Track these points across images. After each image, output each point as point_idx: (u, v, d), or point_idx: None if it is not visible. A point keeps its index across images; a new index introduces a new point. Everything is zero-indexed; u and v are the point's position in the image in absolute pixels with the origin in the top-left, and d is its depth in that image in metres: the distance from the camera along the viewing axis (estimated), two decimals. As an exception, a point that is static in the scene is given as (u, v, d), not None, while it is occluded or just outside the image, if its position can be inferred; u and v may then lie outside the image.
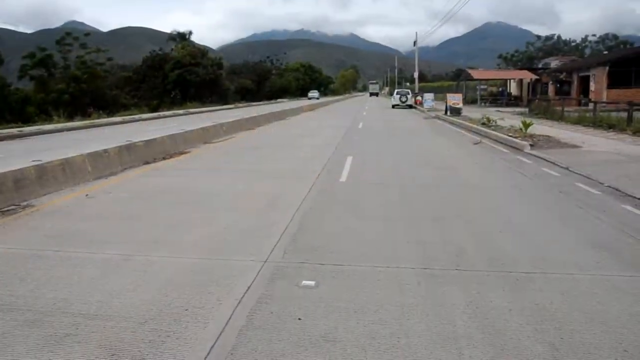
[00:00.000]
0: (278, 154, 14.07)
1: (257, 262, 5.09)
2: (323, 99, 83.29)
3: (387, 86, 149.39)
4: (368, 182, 9.67)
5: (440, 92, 60.99)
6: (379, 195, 8.41)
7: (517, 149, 14.09)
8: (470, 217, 6.90)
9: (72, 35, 55.79)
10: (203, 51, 71.79)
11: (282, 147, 16.04)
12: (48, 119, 35.00)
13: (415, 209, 7.38)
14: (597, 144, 14.46)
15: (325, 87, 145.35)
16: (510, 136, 15.98)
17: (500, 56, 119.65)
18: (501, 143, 15.77)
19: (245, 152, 14.67)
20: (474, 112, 30.90)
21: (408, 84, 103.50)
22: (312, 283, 4.52)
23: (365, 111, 41.93)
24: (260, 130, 22.92)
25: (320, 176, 10.22)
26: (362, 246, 5.60)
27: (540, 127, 19.41)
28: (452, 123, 25.60)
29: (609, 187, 8.61)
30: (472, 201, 7.88)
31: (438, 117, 30.46)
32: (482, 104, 45.98)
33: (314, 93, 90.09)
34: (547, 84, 44.46)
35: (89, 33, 69.34)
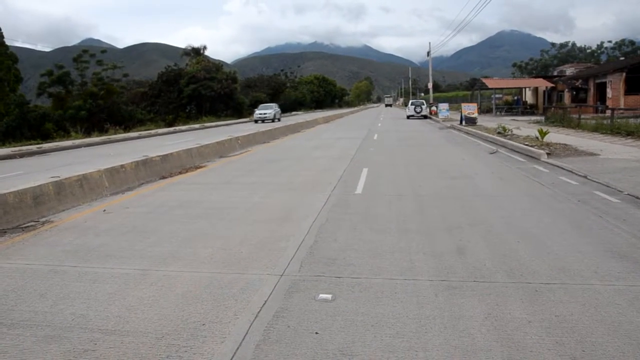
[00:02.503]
0: (294, 167, 14.09)
1: (273, 276, 5.09)
2: (336, 111, 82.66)
3: (401, 97, 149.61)
4: (384, 193, 9.64)
5: (455, 102, 60.97)
6: (395, 206, 8.37)
7: (534, 157, 13.96)
8: (487, 227, 6.83)
9: (89, 53, 56.62)
10: (217, 65, 72.38)
11: (297, 159, 16.07)
12: (66, 135, 35.57)
13: (432, 220, 7.33)
14: (615, 151, 14.28)
15: (340, 99, 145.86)
16: (526, 145, 15.86)
17: (514, 64, 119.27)
18: (518, 152, 15.65)
19: (260, 165, 14.72)
20: (489, 122, 30.76)
21: (422, 94, 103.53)
22: (329, 296, 4.51)
23: (380, 122, 41.90)
24: (275, 143, 23.01)
25: (336, 188, 10.21)
26: (379, 258, 5.57)
27: (557, 136, 19.25)
28: (467, 133, 25.47)
29: (629, 195, 8.49)
30: (488, 211, 7.81)
31: (453, 127, 30.31)
32: (498, 112, 45.73)
33: (264, 110, 49.11)
34: (562, 91, 44.12)
35: (105, 50, 70.43)
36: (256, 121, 47.75)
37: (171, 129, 40.02)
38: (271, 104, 53.24)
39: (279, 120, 49.28)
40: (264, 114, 48.41)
